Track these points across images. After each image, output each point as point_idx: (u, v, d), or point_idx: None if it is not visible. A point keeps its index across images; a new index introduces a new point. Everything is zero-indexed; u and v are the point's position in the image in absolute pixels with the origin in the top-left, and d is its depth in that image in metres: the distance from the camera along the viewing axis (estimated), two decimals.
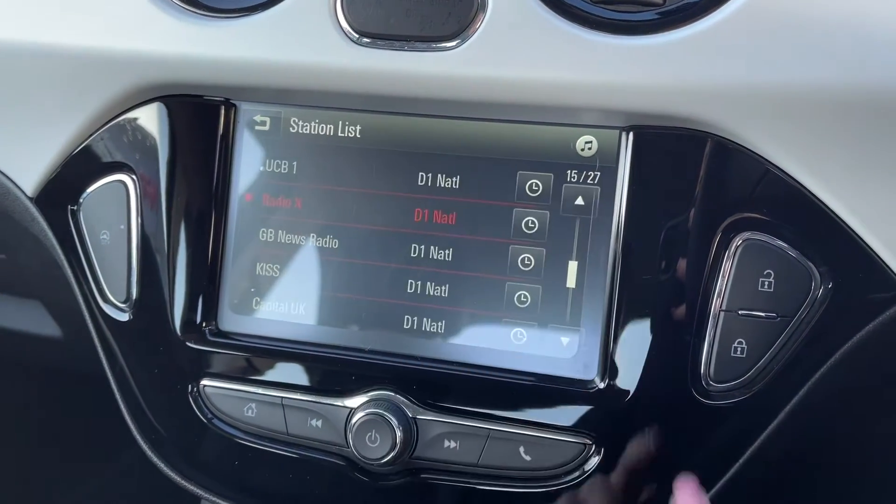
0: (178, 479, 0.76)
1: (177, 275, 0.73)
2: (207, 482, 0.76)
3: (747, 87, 0.59)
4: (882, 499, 0.83)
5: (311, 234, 0.71)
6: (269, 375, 0.71)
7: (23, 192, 0.77)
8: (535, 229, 0.66)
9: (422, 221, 0.68)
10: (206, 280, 0.73)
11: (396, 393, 0.68)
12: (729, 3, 0.59)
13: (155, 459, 0.77)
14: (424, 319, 0.69)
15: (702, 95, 0.60)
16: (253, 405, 0.71)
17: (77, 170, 0.75)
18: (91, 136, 0.74)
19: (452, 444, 0.67)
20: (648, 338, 0.64)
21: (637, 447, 0.65)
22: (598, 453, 0.65)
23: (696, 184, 0.62)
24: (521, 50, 0.62)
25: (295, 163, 0.71)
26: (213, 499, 0.76)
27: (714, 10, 0.59)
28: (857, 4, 0.58)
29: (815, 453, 0.78)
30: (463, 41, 0.63)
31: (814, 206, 0.60)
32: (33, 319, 1.07)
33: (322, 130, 0.70)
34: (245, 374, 0.72)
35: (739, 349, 0.62)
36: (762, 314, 0.62)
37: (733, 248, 0.62)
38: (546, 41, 0.61)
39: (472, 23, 0.62)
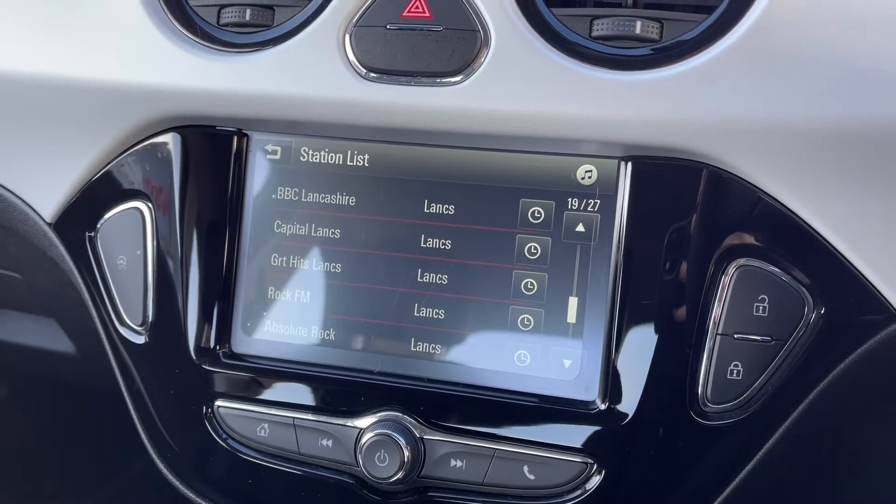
0: (192, 496, 0.79)
1: (191, 299, 0.75)
2: (221, 499, 0.78)
3: (740, 120, 0.61)
4: None
5: (321, 259, 0.73)
6: (281, 396, 0.74)
7: (41, 217, 0.80)
8: (538, 255, 0.69)
9: (428, 247, 0.71)
10: (220, 304, 0.75)
11: (404, 413, 0.70)
12: (722, 40, 0.61)
13: (170, 477, 0.79)
14: (431, 342, 0.71)
15: (696, 128, 0.62)
16: (266, 425, 0.73)
17: (94, 197, 0.78)
18: (108, 164, 0.76)
19: (459, 464, 0.69)
20: (648, 360, 0.66)
21: (637, 466, 0.67)
22: (600, 473, 0.67)
23: (692, 212, 0.64)
24: (523, 84, 0.64)
25: (305, 190, 0.73)
26: None
27: (708, 47, 0.62)
28: (845, 41, 0.60)
29: (809, 472, 0.79)
30: (467, 77, 0.65)
31: (806, 233, 0.63)
32: (49, 337, 1.09)
33: (331, 159, 0.73)
34: (258, 395, 0.74)
35: (735, 371, 0.65)
36: (757, 337, 0.64)
37: (729, 273, 0.64)
38: (547, 76, 0.64)
39: (475, 59, 0.65)
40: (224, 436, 0.75)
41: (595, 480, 0.67)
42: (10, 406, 1.27)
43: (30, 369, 1.21)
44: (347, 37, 0.67)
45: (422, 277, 0.71)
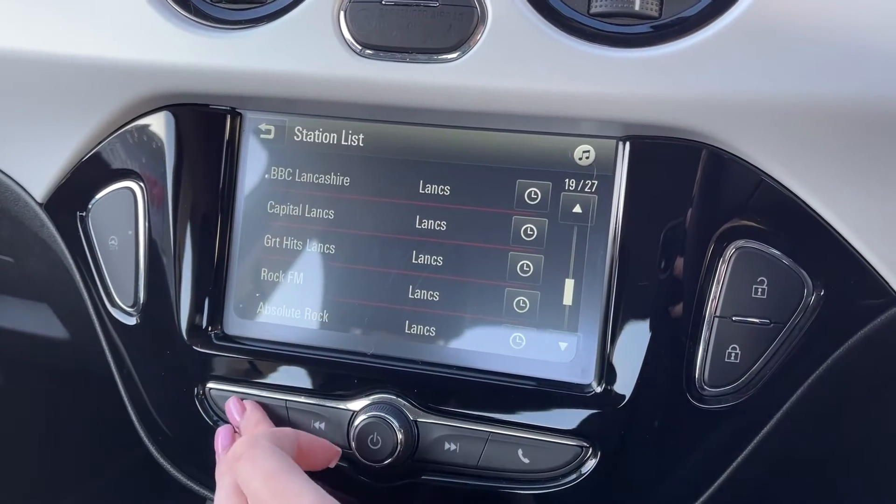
0: (184, 479, 0.78)
1: (183, 280, 0.74)
2: (213, 483, 0.77)
3: (740, 98, 0.60)
4: (875, 501, 0.84)
5: (315, 240, 0.72)
6: (274, 379, 0.73)
7: (33, 198, 0.79)
8: (534, 236, 0.68)
9: (423, 228, 0.70)
10: (212, 285, 0.74)
11: (398, 396, 0.70)
12: (721, 17, 0.60)
13: (161, 460, 0.78)
14: (426, 324, 0.70)
15: (696, 107, 0.61)
16: None
17: (86, 176, 0.77)
18: (100, 143, 0.75)
19: (453, 447, 0.69)
20: (645, 343, 0.65)
21: (633, 450, 0.66)
22: (595, 456, 0.67)
23: (691, 193, 0.63)
24: (520, 62, 0.63)
25: (299, 170, 0.73)
26: None
27: (707, 24, 0.61)
28: (846, 18, 0.59)
29: (807, 456, 0.79)
30: (463, 53, 0.64)
31: (806, 215, 0.62)
32: (41, 321, 1.08)
33: (326, 139, 0.72)
34: (250, 377, 0.73)
35: (733, 354, 0.64)
36: (756, 320, 0.63)
37: (727, 255, 0.63)
38: (544, 53, 0.63)
39: (472, 35, 0.64)
40: (216, 418, 0.75)
41: (590, 464, 0.67)
42: (2, 392, 1.26)
43: (22, 355, 1.21)
44: (342, 13, 0.66)
45: (416, 259, 0.70)
